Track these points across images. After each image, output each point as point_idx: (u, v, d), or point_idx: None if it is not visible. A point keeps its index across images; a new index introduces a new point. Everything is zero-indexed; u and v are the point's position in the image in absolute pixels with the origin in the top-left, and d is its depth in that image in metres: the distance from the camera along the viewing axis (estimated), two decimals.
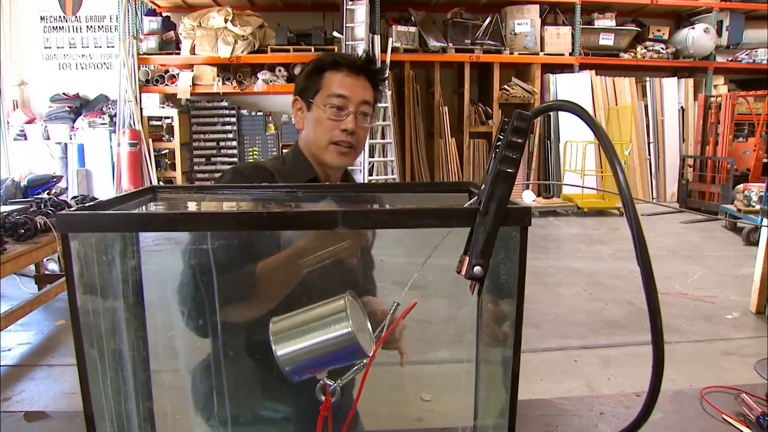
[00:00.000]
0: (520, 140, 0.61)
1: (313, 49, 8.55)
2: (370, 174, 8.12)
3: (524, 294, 0.66)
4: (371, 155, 8.14)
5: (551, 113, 8.66)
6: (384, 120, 8.22)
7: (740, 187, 6.99)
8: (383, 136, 8.25)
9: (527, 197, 8.11)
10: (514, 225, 0.61)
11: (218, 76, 8.57)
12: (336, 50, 8.42)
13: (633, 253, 0.62)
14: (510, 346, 0.67)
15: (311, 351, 0.68)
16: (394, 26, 8.56)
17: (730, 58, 9.50)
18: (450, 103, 8.96)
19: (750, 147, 8.10)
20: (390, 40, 8.37)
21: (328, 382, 0.71)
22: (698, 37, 8.90)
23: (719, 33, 9.24)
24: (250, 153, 9.21)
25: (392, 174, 8.24)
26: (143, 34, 8.53)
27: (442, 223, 0.63)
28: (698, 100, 8.76)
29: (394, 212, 0.64)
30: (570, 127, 8.46)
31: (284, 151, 1.38)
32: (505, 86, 8.76)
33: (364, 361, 0.70)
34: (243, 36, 8.33)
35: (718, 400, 1.21)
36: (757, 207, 6.16)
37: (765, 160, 8.00)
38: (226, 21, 8.23)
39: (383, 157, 8.25)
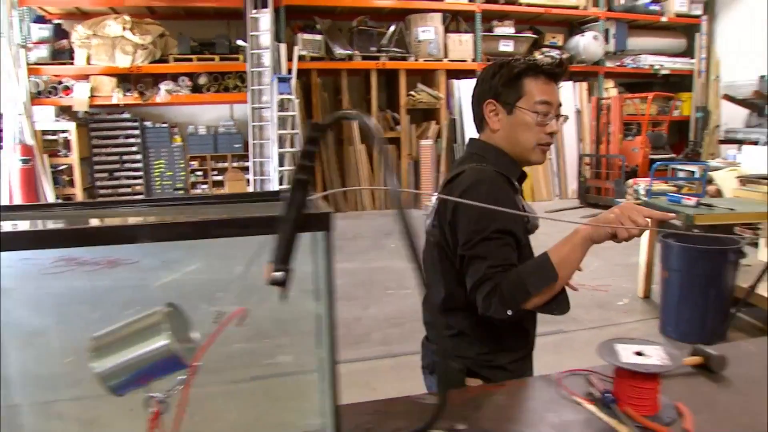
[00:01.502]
0: (314, 149, 0.64)
1: (217, 59, 8.40)
2: (281, 183, 8.05)
3: (335, 296, 0.69)
4: (281, 164, 8.07)
5: (456, 117, 8.95)
6: (293, 129, 8.18)
7: (630, 182, 7.50)
8: (292, 145, 8.20)
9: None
10: (315, 230, 0.64)
11: (118, 87, 8.23)
12: (241, 59, 8.31)
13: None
14: (328, 348, 0.70)
15: (130, 365, 0.69)
16: (299, 34, 8.55)
17: (618, 63, 10.19)
18: (359, 110, 9.00)
19: (638, 145, 8.71)
20: (296, 48, 8.34)
21: (154, 394, 0.72)
22: (588, 43, 9.48)
23: (607, 40, 9.89)
24: (156, 166, 8.91)
25: None
26: (32, 42, 8.04)
27: (245, 232, 0.66)
28: (591, 102, 9.32)
29: (198, 224, 0.66)
30: (475, 130, 8.74)
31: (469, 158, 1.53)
32: (412, 92, 8.95)
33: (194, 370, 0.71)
34: (143, 45, 8.05)
35: (574, 382, 1.27)
36: (644, 200, 6.62)
37: (651, 157, 8.61)
38: (123, 29, 7.92)
39: (293, 166, 8.19)
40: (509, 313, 1.22)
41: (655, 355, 1.05)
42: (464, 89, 8.91)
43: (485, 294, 1.24)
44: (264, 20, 8.11)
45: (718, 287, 3.63)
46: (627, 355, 1.06)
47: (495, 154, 1.44)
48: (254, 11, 8.11)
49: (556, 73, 1.41)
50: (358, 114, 0.67)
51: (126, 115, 8.67)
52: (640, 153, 8.56)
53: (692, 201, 4.11)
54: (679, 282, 3.73)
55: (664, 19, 10.18)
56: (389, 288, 4.94)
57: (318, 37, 8.70)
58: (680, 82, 10.48)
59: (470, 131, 8.80)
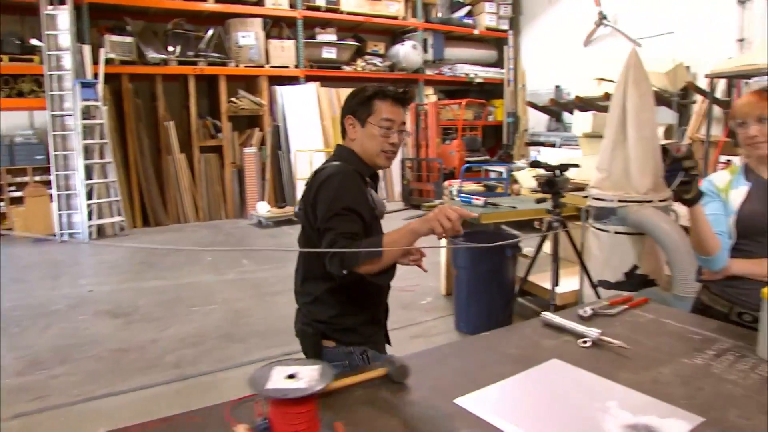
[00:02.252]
0: None
1: (7, 59, 7.47)
2: (89, 198, 7.37)
3: None
4: (88, 177, 7.40)
5: (281, 124, 8.85)
6: (101, 138, 7.54)
7: (446, 183, 7.93)
8: (102, 156, 7.57)
9: (262, 208, 8.13)
10: None
11: None
12: (37, 61, 7.49)
13: None
14: None
15: None
16: (107, 36, 7.91)
17: (436, 72, 10.76)
18: (178, 118, 8.59)
19: (454, 148, 9.25)
20: (102, 50, 7.70)
21: None
22: (407, 52, 9.90)
23: (425, 50, 10.40)
24: None
25: (115, 196, 7.60)
26: None
27: None
28: (410, 108, 9.72)
29: None
30: (299, 136, 8.72)
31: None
32: (233, 99, 8.69)
33: None
34: None
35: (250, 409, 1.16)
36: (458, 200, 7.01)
37: (467, 159, 9.18)
38: None
39: (104, 178, 7.55)
40: (344, 272, 1.54)
41: (306, 377, 1.03)
42: (287, 96, 8.83)
43: (331, 255, 1.54)
44: (62, 18, 7.38)
45: (500, 280, 3.91)
46: (278, 379, 1.03)
47: (352, 156, 1.78)
48: (50, 7, 7.36)
49: (399, 98, 1.77)
50: None
51: None
52: (457, 156, 9.10)
53: (480, 201, 4.40)
54: (467, 278, 3.97)
55: (476, 32, 10.94)
56: (195, 305, 4.70)
57: (128, 39, 8.12)
58: (494, 90, 11.33)
59: (295, 138, 8.76)
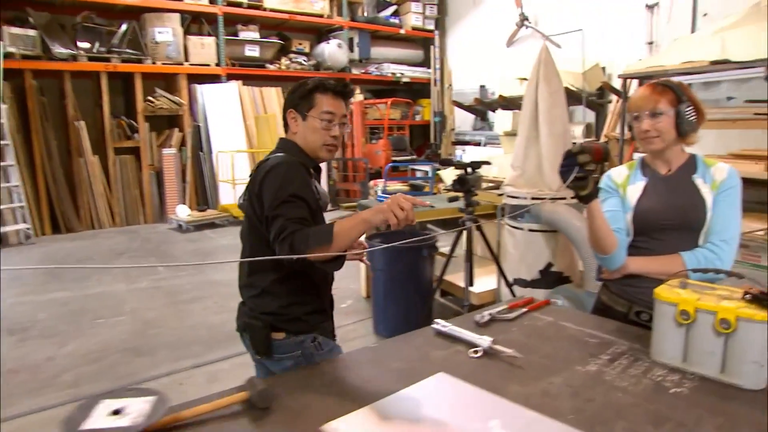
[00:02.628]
0: None
1: None
2: None
3: None
4: None
5: (201, 124, 8.51)
6: (1, 139, 6.99)
7: (372, 183, 7.84)
8: (2, 159, 7.01)
9: (181, 212, 7.78)
10: None
11: None
12: None
13: None
14: None
15: None
16: (5, 28, 7.34)
17: (363, 71, 10.65)
18: (91, 118, 8.10)
19: (380, 147, 9.18)
20: (1, 44, 7.14)
21: None
22: (333, 51, 9.74)
23: (351, 49, 10.27)
24: None
25: (19, 201, 7.06)
26: None
27: None
28: None
29: None
30: (222, 137, 8.42)
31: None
32: (150, 98, 8.28)
33: None
34: None
35: None
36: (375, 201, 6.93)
37: (394, 158, 9.13)
38: None
39: (5, 182, 7.00)
40: (294, 258, 1.52)
41: (134, 413, 0.89)
42: (207, 95, 8.50)
43: (281, 240, 1.52)
44: None
45: (417, 281, 3.84)
46: (99, 416, 0.88)
47: (295, 148, 1.79)
48: None
49: (340, 91, 1.78)
50: None
51: None
52: (383, 155, 9.04)
53: None
54: (383, 280, 3.88)
55: (402, 31, 10.91)
56: (101, 317, 4.39)
57: (32, 32, 7.57)
58: (422, 90, 11.33)
59: (217, 139, 8.45)
